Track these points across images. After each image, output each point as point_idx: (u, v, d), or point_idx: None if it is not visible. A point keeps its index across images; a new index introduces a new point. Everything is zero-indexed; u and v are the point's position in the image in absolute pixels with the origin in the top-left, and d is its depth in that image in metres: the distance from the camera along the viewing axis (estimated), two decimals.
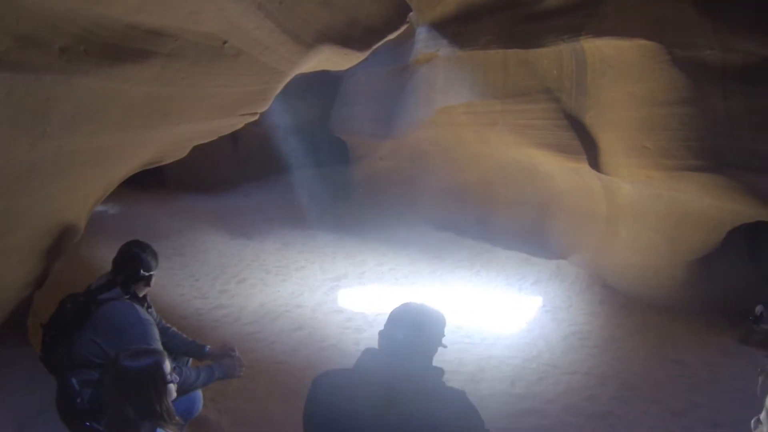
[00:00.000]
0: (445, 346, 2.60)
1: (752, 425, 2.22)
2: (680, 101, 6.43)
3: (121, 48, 2.83)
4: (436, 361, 2.53)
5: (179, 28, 3.12)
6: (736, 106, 6.19)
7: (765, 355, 5.86)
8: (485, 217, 10.60)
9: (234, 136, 13.76)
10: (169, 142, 4.60)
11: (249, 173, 14.91)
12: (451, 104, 9.66)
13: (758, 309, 5.93)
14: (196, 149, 5.74)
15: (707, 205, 6.66)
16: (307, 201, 13.26)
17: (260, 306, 7.82)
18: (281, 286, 8.70)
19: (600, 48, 7.18)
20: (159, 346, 3.58)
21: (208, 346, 4.39)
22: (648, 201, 7.30)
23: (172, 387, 2.73)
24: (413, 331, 2.48)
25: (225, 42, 3.67)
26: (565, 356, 6.60)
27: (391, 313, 2.57)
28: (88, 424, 3.34)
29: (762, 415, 2.11)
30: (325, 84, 14.49)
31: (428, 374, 2.45)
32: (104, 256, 4.06)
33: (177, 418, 2.72)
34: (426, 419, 2.30)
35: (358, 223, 11.87)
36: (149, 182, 12.99)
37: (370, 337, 6.95)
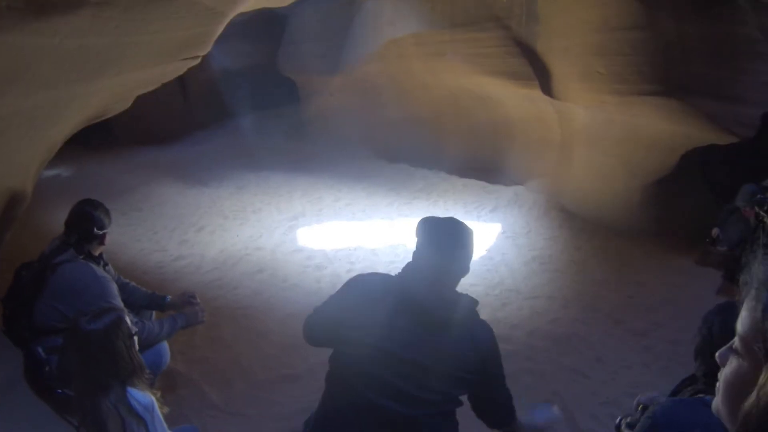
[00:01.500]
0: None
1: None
2: (632, 26, 6.42)
3: (47, 0, 2.69)
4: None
5: None
6: (688, 31, 6.22)
7: (721, 275, 6.07)
8: (440, 148, 10.61)
9: (182, 84, 13.42)
10: (109, 94, 4.44)
11: (199, 121, 14.55)
12: (399, 36, 9.51)
13: (714, 231, 6.13)
14: (144, 101, 5.58)
15: (660, 129, 6.74)
16: (259, 143, 13.09)
17: (220, 252, 7.78)
18: (239, 230, 8.65)
19: None
20: (119, 302, 3.58)
21: (169, 297, 4.39)
22: (602, 126, 7.36)
23: (135, 339, 2.73)
24: (455, 246, 2.41)
25: None
26: (527, 281, 6.75)
27: (425, 227, 2.47)
28: (59, 391, 3.33)
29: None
30: (270, 24, 14.10)
31: (463, 301, 2.42)
32: (59, 220, 3.97)
33: (147, 370, 2.73)
34: (457, 344, 2.34)
35: (312, 161, 11.79)
36: (99, 141, 12.69)
37: (331, 274, 7.01)
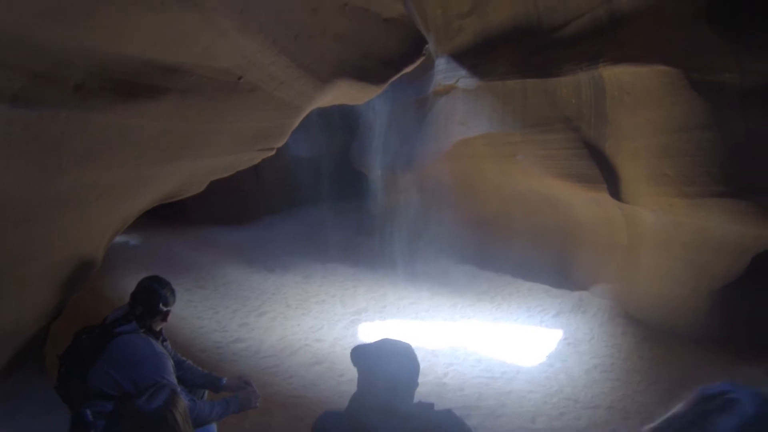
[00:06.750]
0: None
1: None
2: (699, 126, 6.36)
3: (136, 84, 2.87)
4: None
5: (194, 65, 3.17)
6: (756, 129, 6.10)
7: None
8: (506, 249, 10.51)
9: (256, 169, 13.90)
10: (185, 176, 4.64)
11: (271, 206, 14.97)
12: (471, 136, 9.65)
13: None
14: (218, 181, 5.78)
15: (730, 231, 6.54)
16: (328, 234, 13.28)
17: (279, 340, 7.78)
18: (301, 319, 8.67)
19: (618, 75, 7.16)
20: (173, 379, 3.60)
21: (225, 379, 4.38)
22: (670, 229, 7.19)
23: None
24: (391, 374, 2.43)
25: (240, 77, 3.72)
26: (587, 390, 6.47)
27: (357, 356, 2.53)
28: None
29: None
30: (345, 117, 14.60)
31: (416, 410, 2.42)
32: (123, 287, 4.12)
33: None
34: None
35: (379, 256, 11.84)
36: (170, 214, 13.11)
37: None
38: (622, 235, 8.26)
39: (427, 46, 7.15)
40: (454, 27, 9.55)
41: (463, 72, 9.68)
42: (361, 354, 2.51)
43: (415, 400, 2.48)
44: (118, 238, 10.81)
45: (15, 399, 3.65)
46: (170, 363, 3.71)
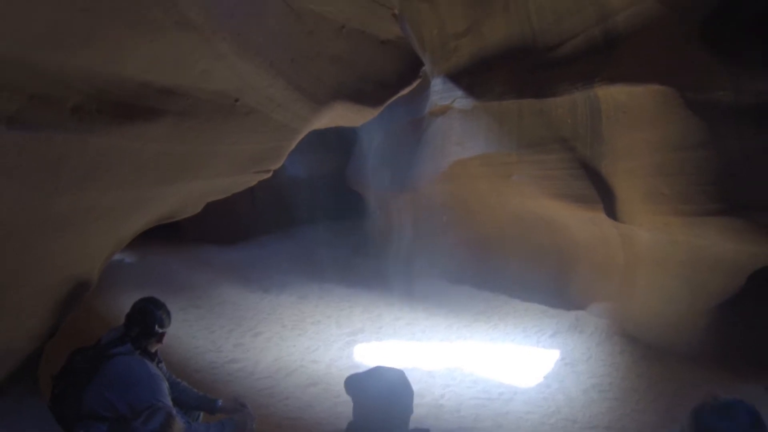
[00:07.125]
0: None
1: None
2: (694, 145, 6.38)
3: (133, 106, 2.88)
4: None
5: (191, 87, 3.18)
6: (751, 147, 6.13)
7: None
8: (503, 270, 10.49)
9: (252, 189, 13.84)
10: (182, 198, 4.64)
11: (267, 225, 14.94)
12: (467, 156, 9.67)
13: None
14: (215, 201, 5.78)
15: (726, 249, 6.55)
16: (323, 254, 13.25)
17: (275, 360, 7.73)
18: (297, 340, 8.62)
19: (613, 95, 7.19)
20: (168, 401, 3.57)
21: (220, 401, 4.36)
22: (666, 248, 7.20)
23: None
24: (385, 402, 2.45)
25: (237, 100, 3.74)
26: (585, 410, 6.44)
27: (350, 385, 2.56)
28: None
29: None
30: (342, 137, 14.62)
31: None
32: (118, 306, 4.09)
33: None
34: None
35: (375, 276, 11.81)
36: (166, 233, 13.08)
37: None
38: (619, 254, 8.26)
39: (423, 67, 7.17)
40: (450, 47, 9.60)
41: (459, 92, 9.71)
42: (354, 383, 2.52)
43: (412, 424, 2.47)
44: (114, 257, 10.79)
45: (9, 418, 3.62)
46: (165, 385, 3.69)
